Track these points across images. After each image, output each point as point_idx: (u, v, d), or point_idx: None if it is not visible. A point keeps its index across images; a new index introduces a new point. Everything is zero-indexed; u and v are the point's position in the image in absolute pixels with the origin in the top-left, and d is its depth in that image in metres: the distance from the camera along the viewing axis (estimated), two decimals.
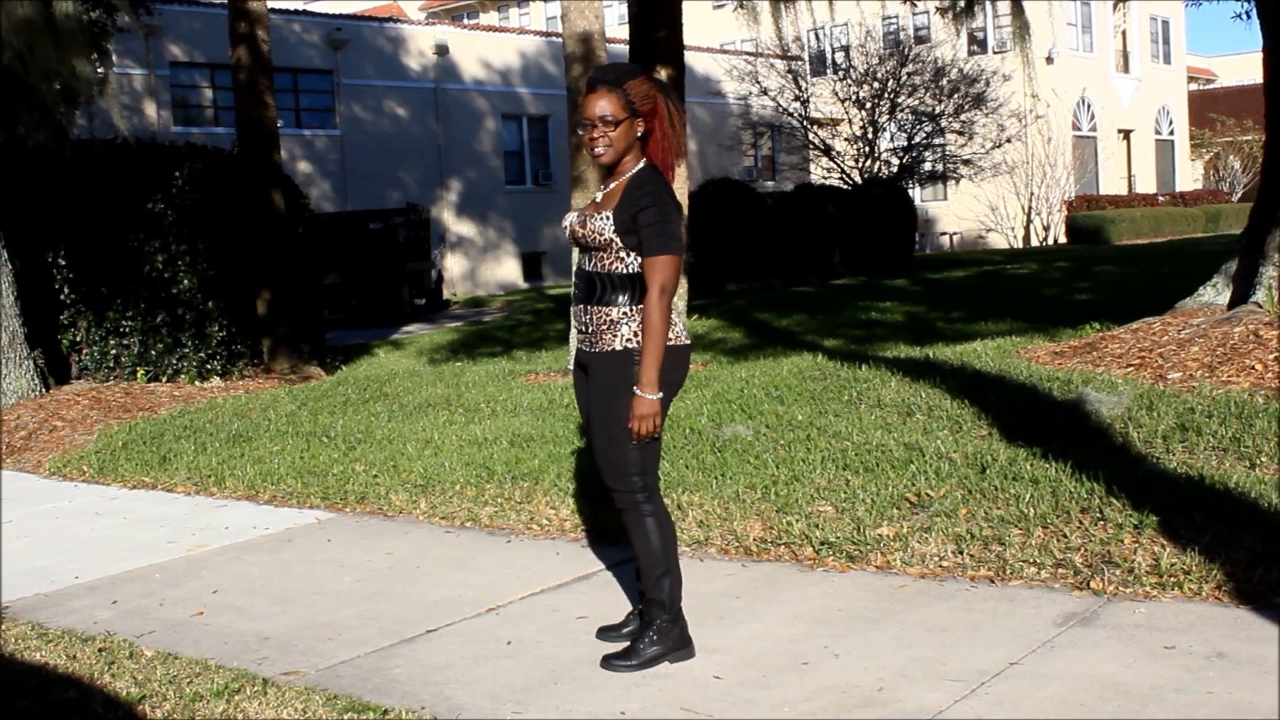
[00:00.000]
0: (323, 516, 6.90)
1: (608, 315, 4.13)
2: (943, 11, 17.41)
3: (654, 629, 4.20)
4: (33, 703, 4.13)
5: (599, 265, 4.14)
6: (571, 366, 4.30)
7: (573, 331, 4.19)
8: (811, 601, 4.76)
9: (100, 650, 4.66)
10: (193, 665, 4.44)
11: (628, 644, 4.26)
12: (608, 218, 4.09)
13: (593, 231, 4.11)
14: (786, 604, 4.76)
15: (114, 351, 12.18)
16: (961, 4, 17.34)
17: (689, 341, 4.25)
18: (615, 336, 4.12)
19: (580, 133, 4.17)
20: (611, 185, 4.18)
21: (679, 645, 4.23)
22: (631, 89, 4.12)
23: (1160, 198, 45.73)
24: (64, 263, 11.95)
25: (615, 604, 4.87)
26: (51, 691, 4.22)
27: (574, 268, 4.63)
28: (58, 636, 4.88)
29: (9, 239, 11.29)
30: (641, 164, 4.16)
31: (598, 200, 4.21)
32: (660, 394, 4.06)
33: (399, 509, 6.81)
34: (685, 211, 16.02)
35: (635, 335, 4.10)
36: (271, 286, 13.16)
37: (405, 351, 15.87)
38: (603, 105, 4.10)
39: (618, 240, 4.08)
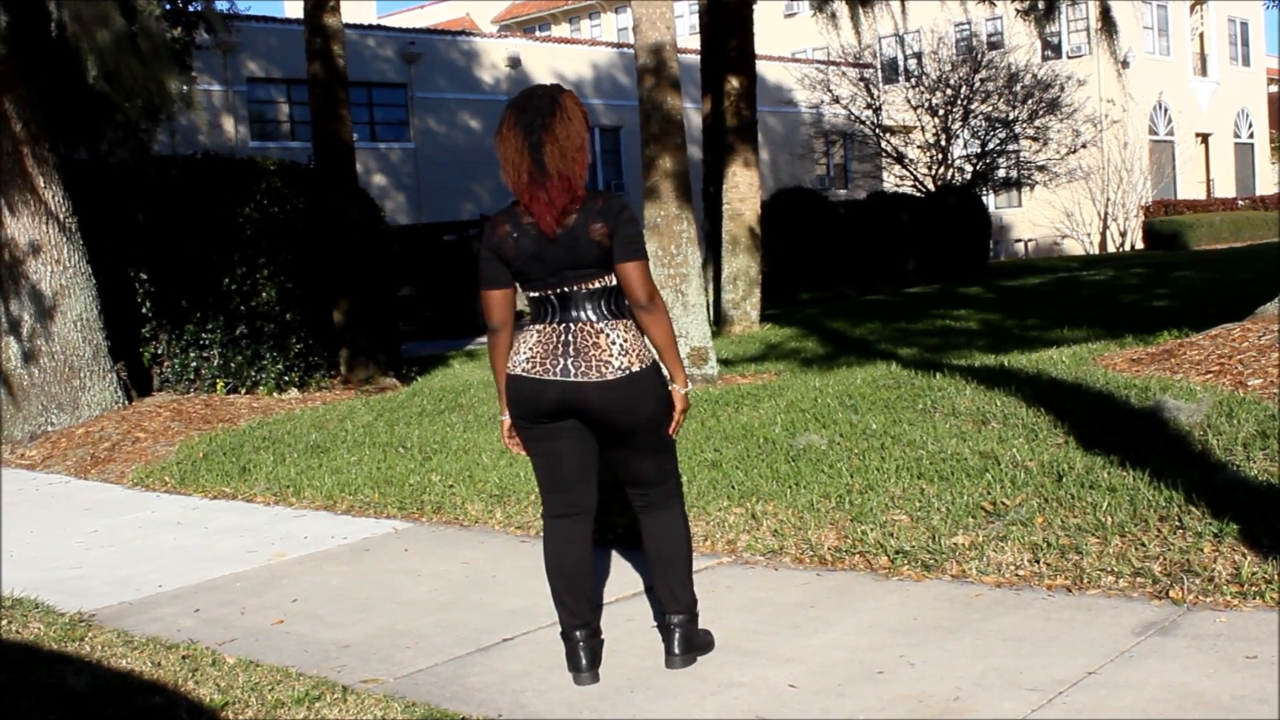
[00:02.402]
0: (400, 526, 6.97)
1: None
2: (1023, 14, 17.37)
3: None
4: (120, 708, 4.21)
5: None
6: None
7: None
8: (887, 610, 4.75)
9: (184, 657, 4.74)
10: (274, 673, 4.51)
11: None
12: None
13: None
14: (861, 613, 4.75)
15: (194, 364, 12.37)
16: (1042, 6, 17.28)
17: (517, 372, 4.15)
18: None
19: None
20: None
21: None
22: None
23: (1240, 202, 45.11)
24: (145, 277, 12.14)
25: None
26: (137, 697, 4.30)
27: None
28: (143, 644, 4.97)
29: (92, 254, 11.50)
30: None
31: None
32: (503, 416, 4.29)
33: (475, 519, 6.86)
34: (756, 220, 16.06)
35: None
36: (348, 299, 13.31)
37: (479, 362, 15.97)
38: None
39: None
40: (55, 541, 7.29)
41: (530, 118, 4.03)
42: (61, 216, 11.15)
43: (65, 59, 10.79)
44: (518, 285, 4.20)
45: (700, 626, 4.43)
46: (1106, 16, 17.22)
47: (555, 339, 4.10)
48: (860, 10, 17.49)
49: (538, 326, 4.14)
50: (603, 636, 4.38)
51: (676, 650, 4.29)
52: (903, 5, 17.68)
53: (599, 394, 4.07)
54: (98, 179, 12.29)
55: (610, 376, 4.06)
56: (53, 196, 11.10)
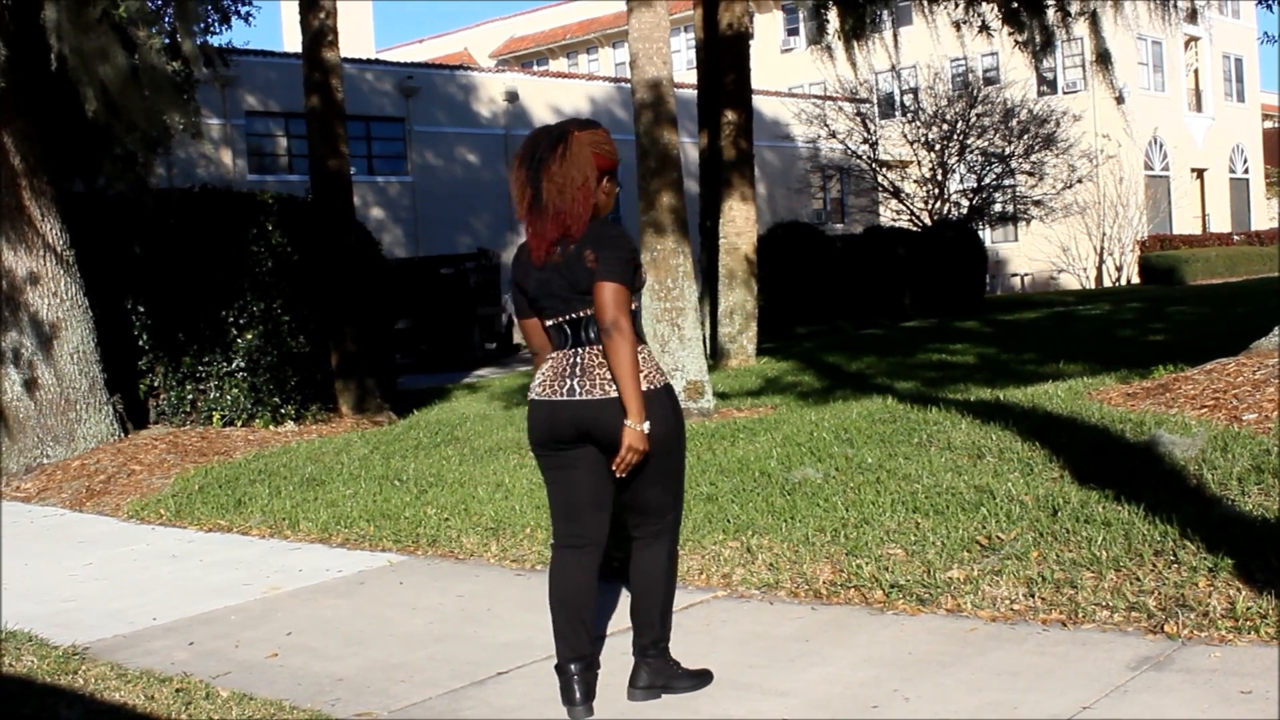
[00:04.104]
0: (395, 559, 6.96)
1: None
2: (1021, 45, 17.46)
3: None
4: None
5: None
6: None
7: None
8: (881, 644, 4.74)
9: (177, 691, 4.73)
10: (268, 706, 4.50)
11: None
12: None
13: None
14: (856, 647, 4.74)
15: (190, 396, 12.37)
16: (1039, 40, 17.37)
17: (533, 397, 4.29)
18: None
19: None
20: None
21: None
22: None
23: (1235, 237, 45.18)
24: (142, 309, 12.16)
25: (685, 648, 4.86)
26: None
27: None
28: (136, 677, 4.96)
29: (89, 286, 11.52)
30: None
31: None
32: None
33: (470, 552, 6.85)
34: (752, 254, 16.07)
35: None
36: (345, 332, 13.32)
37: (476, 395, 15.98)
38: None
39: None
40: (50, 574, 7.27)
41: (533, 153, 4.17)
42: (59, 249, 11.17)
43: (64, 92, 10.82)
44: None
45: (697, 667, 4.47)
46: (1102, 52, 17.32)
47: (565, 362, 4.19)
48: (855, 44, 17.56)
49: (554, 354, 4.25)
50: (599, 670, 4.37)
51: (640, 683, 4.31)
52: (895, 38, 17.74)
53: (602, 411, 4.09)
54: (95, 211, 12.31)
55: (613, 394, 4.07)
56: (50, 229, 11.12)
